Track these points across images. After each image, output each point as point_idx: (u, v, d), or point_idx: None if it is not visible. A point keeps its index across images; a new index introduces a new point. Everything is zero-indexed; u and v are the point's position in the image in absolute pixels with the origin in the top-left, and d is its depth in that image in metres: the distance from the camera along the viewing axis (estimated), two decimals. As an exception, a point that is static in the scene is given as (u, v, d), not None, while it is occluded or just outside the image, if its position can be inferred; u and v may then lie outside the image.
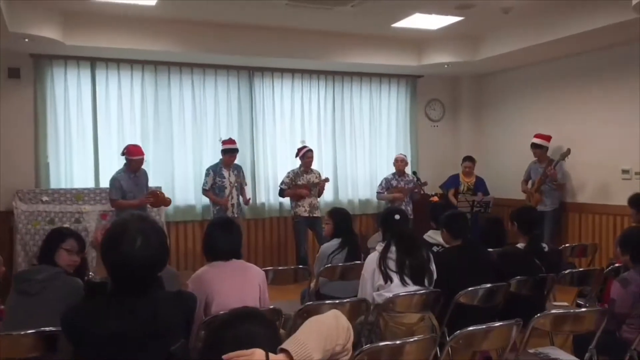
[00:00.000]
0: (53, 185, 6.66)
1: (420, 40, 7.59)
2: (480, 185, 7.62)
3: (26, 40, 5.92)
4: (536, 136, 7.05)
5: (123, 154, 5.97)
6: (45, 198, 6.33)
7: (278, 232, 7.84)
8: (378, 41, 7.44)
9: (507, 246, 4.36)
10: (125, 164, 5.95)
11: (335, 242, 4.54)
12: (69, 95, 6.80)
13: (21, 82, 6.65)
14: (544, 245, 4.17)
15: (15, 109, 6.61)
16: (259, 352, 1.48)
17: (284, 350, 1.54)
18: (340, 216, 4.74)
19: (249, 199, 6.93)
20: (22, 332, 2.59)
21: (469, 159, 7.79)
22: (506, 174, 7.99)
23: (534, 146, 7.00)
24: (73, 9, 6.00)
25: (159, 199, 6.05)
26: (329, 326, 1.65)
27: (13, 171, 6.51)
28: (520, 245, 4.07)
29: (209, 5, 6.00)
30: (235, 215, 6.52)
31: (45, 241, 3.00)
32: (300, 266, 4.89)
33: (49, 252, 2.81)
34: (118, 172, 5.93)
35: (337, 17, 6.39)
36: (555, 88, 7.42)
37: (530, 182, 7.16)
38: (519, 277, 3.81)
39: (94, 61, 6.84)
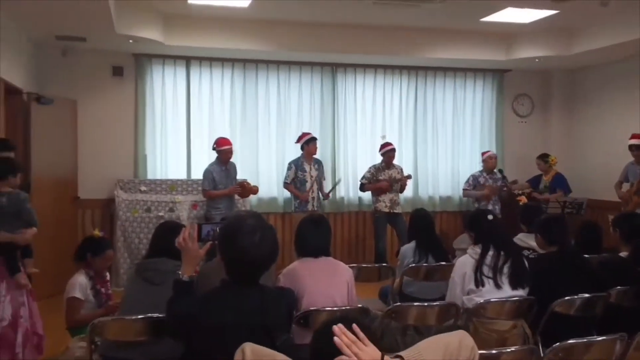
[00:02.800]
0: (150, 176, 7.06)
1: (509, 34, 7.36)
2: (558, 183, 7.32)
3: (130, 41, 6.31)
4: (633, 137, 6.66)
5: (214, 148, 6.24)
6: (143, 188, 6.72)
7: (357, 227, 7.90)
8: (465, 35, 7.31)
9: (607, 254, 4.16)
10: (217, 157, 6.21)
11: (413, 244, 4.52)
12: (166, 92, 7.18)
13: (124, 80, 7.09)
14: (650, 254, 3.95)
15: (118, 105, 7.07)
16: (374, 350, 1.50)
17: (399, 357, 1.58)
18: (413, 217, 4.73)
19: (328, 193, 7.00)
20: (134, 317, 2.77)
21: (539, 156, 7.54)
22: (599, 173, 7.63)
23: (635, 148, 6.59)
24: (173, 11, 6.34)
25: (246, 189, 6.30)
26: (451, 341, 1.67)
27: (115, 162, 6.99)
28: (623, 253, 3.87)
29: (298, 6, 6.13)
30: (315, 209, 6.63)
31: (161, 234, 3.16)
32: (384, 264, 4.89)
33: (166, 244, 2.94)
34: (211, 165, 6.22)
35: (424, 13, 6.32)
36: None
37: (627, 185, 6.78)
38: (620, 287, 3.62)
39: (189, 60, 7.18)
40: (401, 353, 1.59)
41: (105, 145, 6.98)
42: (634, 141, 6.62)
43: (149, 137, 7.13)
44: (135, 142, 7.09)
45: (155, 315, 2.71)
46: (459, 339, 1.67)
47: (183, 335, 2.27)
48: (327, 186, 7.13)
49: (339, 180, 7.38)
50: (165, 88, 7.16)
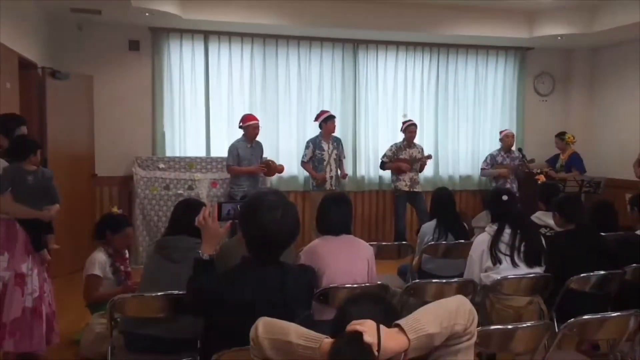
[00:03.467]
0: (168, 153, 7.07)
1: (532, 11, 7.25)
2: (573, 162, 7.27)
3: (147, 14, 6.25)
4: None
5: (240, 126, 6.25)
6: (161, 165, 6.74)
7: (377, 205, 7.90)
8: (488, 12, 7.21)
9: (624, 232, 4.16)
10: (243, 134, 6.22)
11: (433, 223, 4.54)
12: (184, 68, 7.13)
13: (140, 54, 7.03)
14: (667, 233, 3.94)
15: (135, 80, 7.04)
16: (370, 323, 1.52)
17: (397, 325, 1.58)
18: (435, 196, 4.72)
19: (347, 174, 6.98)
20: (153, 294, 2.80)
21: (557, 134, 7.48)
22: (618, 152, 7.58)
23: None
24: (191, -16, 6.27)
25: (271, 168, 6.32)
26: (450, 307, 1.67)
27: (133, 139, 7.00)
28: (639, 232, 3.88)
29: (319, -20, 6.05)
30: (334, 187, 6.61)
31: (181, 211, 3.15)
32: (404, 242, 4.90)
33: (186, 222, 2.93)
34: (237, 141, 6.26)
35: (447, -12, 6.23)
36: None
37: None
38: (635, 264, 3.64)
39: (207, 34, 7.11)
40: (399, 321, 1.58)
41: (123, 121, 6.98)
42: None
43: (167, 114, 7.11)
44: (153, 119, 7.08)
45: (175, 292, 2.75)
46: (457, 304, 1.67)
47: (204, 312, 2.29)
48: (347, 165, 7.09)
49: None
50: (183, 63, 7.11)
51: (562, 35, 7.26)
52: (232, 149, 6.20)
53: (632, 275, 3.64)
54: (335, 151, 6.68)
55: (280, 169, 6.47)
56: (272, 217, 2.14)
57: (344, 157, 6.95)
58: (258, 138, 6.44)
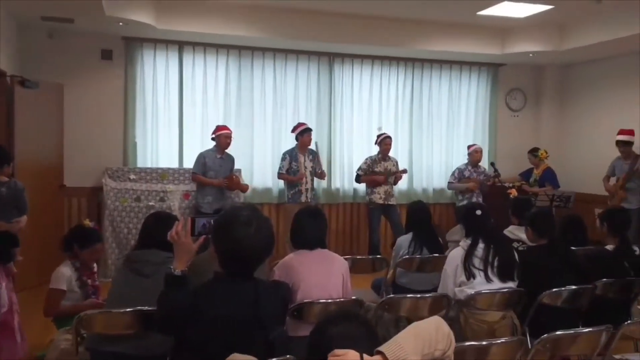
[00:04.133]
0: (140, 164, 6.97)
1: (504, 28, 7.38)
2: (547, 177, 7.38)
3: (120, 23, 6.18)
4: (621, 132, 6.73)
5: (213, 137, 6.20)
6: (132, 176, 6.63)
7: (351, 218, 7.89)
8: (461, 29, 7.31)
9: (593, 247, 4.22)
10: (214, 144, 6.18)
11: (409, 236, 4.54)
12: (157, 78, 7.06)
13: (113, 63, 6.94)
14: (635, 248, 4.01)
15: (107, 89, 6.94)
16: (352, 353, 1.51)
17: (380, 352, 1.57)
18: (411, 209, 4.74)
19: (324, 171, 6.90)
20: (121, 310, 2.72)
21: (530, 150, 7.59)
22: (587, 167, 7.73)
23: (621, 144, 6.69)
24: (166, -6, 6.23)
25: (233, 182, 6.23)
26: (429, 331, 1.67)
27: (103, 149, 6.87)
28: (609, 246, 3.94)
29: (296, -8, 6.07)
30: (309, 200, 6.61)
31: (152, 224, 3.09)
32: (378, 256, 4.89)
33: (157, 235, 2.86)
34: (207, 150, 6.22)
35: (422, 4, 6.32)
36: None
37: (614, 179, 6.87)
38: (605, 279, 3.69)
39: (181, 45, 7.06)
40: (381, 348, 1.57)
41: (93, 131, 6.85)
42: (621, 137, 6.71)
43: (139, 124, 7.01)
44: (125, 129, 6.97)
45: (145, 308, 2.67)
46: (436, 327, 1.67)
47: (175, 328, 2.23)
48: (333, 180, 7.33)
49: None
50: (157, 73, 7.04)
51: (533, 52, 7.40)
52: (200, 157, 6.15)
53: (602, 290, 3.68)
54: (311, 164, 6.67)
55: (243, 188, 6.41)
56: (246, 233, 2.11)
57: (319, 170, 6.93)
58: (232, 149, 6.39)
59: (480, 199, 7.15)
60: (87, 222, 4.07)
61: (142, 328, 2.72)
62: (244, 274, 2.18)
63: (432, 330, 1.67)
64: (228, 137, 6.21)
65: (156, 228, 2.97)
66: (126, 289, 2.92)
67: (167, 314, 2.24)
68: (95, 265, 4.11)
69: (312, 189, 6.75)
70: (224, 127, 6.27)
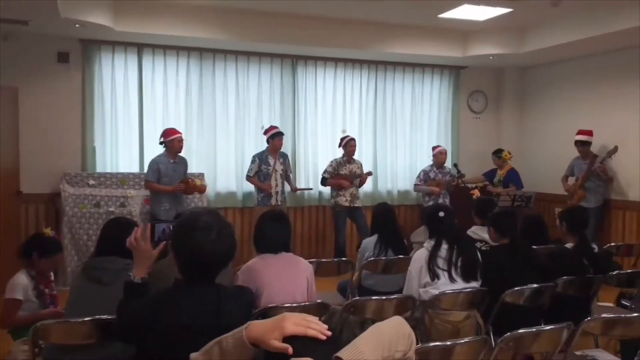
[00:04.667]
0: (99, 169, 6.79)
1: (465, 31, 7.48)
2: (511, 178, 7.51)
3: (77, 25, 6.01)
4: (580, 132, 6.91)
5: (161, 140, 6.08)
6: (91, 182, 6.47)
7: (317, 221, 7.87)
8: (423, 31, 7.38)
9: (554, 245, 4.30)
10: (165, 150, 6.06)
11: (374, 238, 4.55)
12: (116, 81, 6.90)
13: (70, 66, 6.75)
14: (594, 246, 4.10)
15: (64, 93, 6.74)
16: None
17: (338, 358, 1.54)
18: (377, 211, 4.76)
19: (296, 187, 6.98)
20: (80, 320, 2.64)
21: (494, 152, 7.72)
22: (547, 168, 7.90)
23: (580, 144, 6.87)
24: (124, -5, 6.10)
25: (189, 186, 6.12)
26: (389, 332, 1.65)
27: (61, 154, 6.68)
28: (568, 245, 4.02)
29: (257, -6, 6.03)
30: (279, 203, 6.59)
31: (111, 231, 3.02)
32: (343, 258, 4.89)
33: (116, 242, 2.81)
34: (159, 156, 6.08)
35: (385, 7, 6.34)
36: (602, 83, 7.26)
37: (573, 179, 7.03)
38: (566, 277, 3.76)
39: (141, 47, 6.92)
40: (339, 353, 1.54)
41: (50, 136, 6.64)
42: (580, 137, 6.88)
43: (98, 128, 6.84)
44: (83, 133, 6.79)
45: (104, 317, 2.60)
46: (396, 329, 1.66)
47: (135, 337, 2.17)
48: (298, 183, 7.23)
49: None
50: (116, 76, 6.87)
51: (494, 54, 7.52)
52: (153, 164, 5.99)
53: (562, 287, 3.75)
54: (281, 167, 6.64)
55: (201, 189, 6.31)
56: (207, 238, 2.05)
57: (291, 172, 6.93)
58: (195, 153, 6.31)
59: (447, 200, 7.24)
60: (48, 231, 3.95)
61: (102, 337, 2.65)
62: (205, 280, 2.13)
63: (392, 331, 1.66)
64: (181, 141, 6.11)
65: (115, 234, 2.91)
66: (85, 298, 2.85)
67: (126, 323, 2.17)
68: (52, 273, 4.00)
69: (282, 192, 6.74)
70: (175, 131, 6.13)
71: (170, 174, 6.02)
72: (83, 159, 6.81)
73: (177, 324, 2.01)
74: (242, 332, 1.55)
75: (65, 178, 6.40)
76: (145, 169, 6.81)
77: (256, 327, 1.55)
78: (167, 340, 2.01)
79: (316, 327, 1.52)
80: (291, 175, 6.94)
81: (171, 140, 6.02)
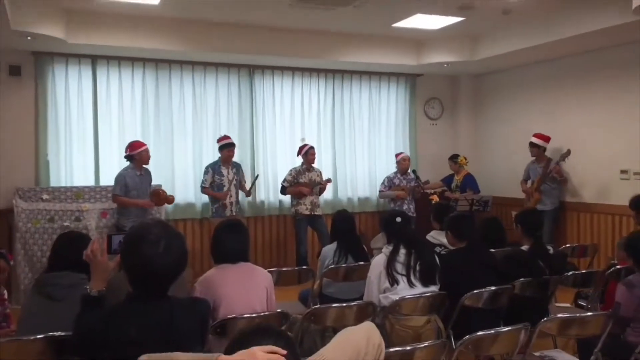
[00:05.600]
0: (53, 183, 6.62)
1: (420, 40, 7.60)
2: (468, 183, 7.63)
3: (28, 38, 5.87)
4: (535, 135, 7.08)
5: (126, 154, 5.98)
6: (45, 196, 6.29)
7: (277, 230, 7.83)
8: (378, 40, 7.45)
9: (510, 248, 4.39)
10: (130, 163, 5.97)
11: (334, 245, 4.55)
12: (70, 93, 6.76)
13: (22, 79, 6.60)
14: (549, 247, 4.19)
15: (16, 106, 6.57)
16: None
17: None
18: (336, 218, 4.77)
19: (250, 190, 6.91)
20: (32, 337, 2.56)
21: (450, 157, 7.85)
22: (504, 172, 8.07)
23: (532, 145, 7.03)
24: (76, 7, 5.98)
25: (160, 198, 6.08)
26: (357, 340, 1.64)
27: (13, 169, 6.48)
28: (524, 247, 4.10)
29: (212, 5, 5.98)
30: (234, 214, 6.53)
31: (63, 245, 2.96)
32: (304, 267, 4.88)
33: (69, 257, 2.76)
34: (125, 169, 5.97)
35: (338, 17, 6.38)
36: (554, 88, 7.45)
37: (529, 182, 7.20)
38: (523, 279, 3.83)
39: (95, 59, 6.80)
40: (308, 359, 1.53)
41: (2, 150, 6.41)
42: (534, 139, 7.04)
43: (52, 142, 6.68)
44: (36, 147, 6.62)
45: (57, 333, 2.53)
46: (367, 337, 1.65)
47: (89, 353, 2.11)
48: (258, 193, 7.17)
49: (257, 176, 7.28)
50: (69, 89, 6.74)
51: (448, 62, 7.66)
52: (120, 178, 5.90)
53: (520, 289, 3.82)
54: (235, 177, 6.59)
55: (170, 200, 6.26)
56: (154, 251, 2.01)
57: (245, 182, 6.88)
58: (152, 164, 6.21)
59: (413, 206, 7.31)
60: None
61: (55, 355, 2.57)
62: (156, 293, 2.09)
63: (362, 340, 1.65)
64: (147, 152, 6.05)
65: (67, 249, 2.86)
66: (37, 315, 2.77)
67: (80, 337, 2.12)
68: (5, 292, 3.88)
69: (237, 202, 6.68)
70: (142, 143, 6.09)
71: (137, 186, 5.95)
72: (36, 173, 6.63)
73: (127, 339, 1.97)
74: None
75: (18, 193, 6.22)
76: (101, 182, 6.73)
77: None
78: (120, 355, 1.96)
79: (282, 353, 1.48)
80: (246, 185, 6.88)
81: (139, 153, 5.95)
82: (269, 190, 7.70)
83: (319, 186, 7.01)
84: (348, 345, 1.61)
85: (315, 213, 6.95)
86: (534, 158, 7.11)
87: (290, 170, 7.05)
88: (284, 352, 1.44)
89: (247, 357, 1.47)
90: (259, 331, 1.62)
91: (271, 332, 1.61)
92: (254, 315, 3.02)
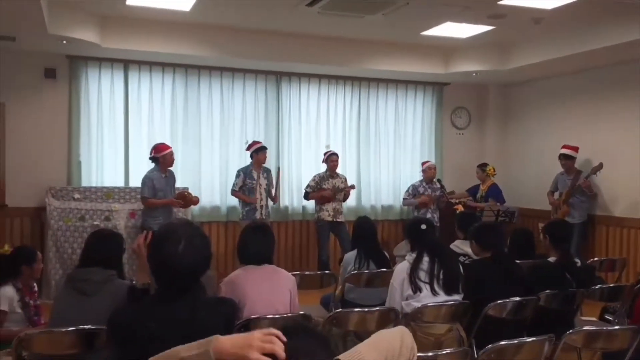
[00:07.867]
0: (84, 183, 6.79)
1: (448, 48, 7.57)
2: (492, 193, 7.57)
3: (64, 42, 6.06)
4: (564, 147, 6.98)
5: (151, 155, 6.09)
6: (77, 195, 6.45)
7: (300, 235, 7.88)
8: (406, 48, 7.46)
9: (538, 259, 4.33)
10: (155, 165, 6.07)
11: (355, 252, 4.56)
12: (102, 97, 6.94)
13: (57, 82, 6.79)
14: (577, 260, 4.13)
15: (51, 108, 6.77)
16: None
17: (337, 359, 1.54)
18: (356, 225, 4.77)
19: (276, 195, 6.97)
20: (63, 330, 2.66)
21: (479, 165, 7.80)
22: (531, 183, 7.98)
23: (563, 157, 6.93)
24: (110, 13, 6.15)
25: (186, 199, 6.19)
26: (392, 342, 1.65)
27: (46, 168, 6.68)
28: (551, 259, 4.04)
29: (242, 12, 6.08)
30: (264, 217, 6.62)
31: (95, 242, 3.05)
32: (327, 272, 4.90)
33: (100, 253, 2.86)
34: (150, 171, 6.08)
35: (367, 25, 6.41)
36: (584, 100, 7.36)
37: (557, 194, 7.10)
38: (548, 291, 3.78)
39: (127, 63, 6.97)
40: (340, 356, 1.54)
41: (36, 150, 6.65)
42: (565, 150, 6.94)
43: (84, 143, 6.86)
44: (69, 148, 6.80)
45: (88, 327, 2.62)
46: (401, 338, 1.66)
47: (118, 344, 2.17)
48: (282, 198, 7.29)
49: (279, 169, 7.30)
50: (102, 92, 6.92)
51: (477, 71, 7.62)
52: (147, 180, 6.00)
53: (545, 301, 3.76)
54: (265, 181, 6.68)
55: (195, 201, 6.36)
56: (173, 250, 2.06)
57: (273, 188, 6.94)
58: (179, 167, 6.33)
59: (437, 215, 7.27)
60: (6, 249, 4.01)
61: (85, 347, 2.67)
62: (179, 290, 2.13)
63: (396, 341, 1.66)
64: (172, 155, 6.17)
65: (98, 246, 2.95)
66: (68, 308, 2.87)
67: (111, 329, 2.17)
68: (35, 285, 4.02)
69: (267, 206, 6.77)
70: (167, 146, 6.18)
71: (164, 188, 6.06)
72: (68, 173, 6.81)
73: (151, 333, 2.02)
74: (208, 349, 1.46)
75: (50, 192, 6.39)
76: (130, 183, 6.87)
77: (227, 344, 1.42)
78: (144, 350, 2.00)
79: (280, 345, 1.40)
80: (273, 190, 6.94)
81: (164, 155, 6.05)
82: (293, 196, 7.75)
83: (343, 192, 7.02)
84: (383, 345, 1.62)
85: (338, 219, 6.98)
86: (563, 170, 7.01)
87: (314, 177, 7.10)
88: (283, 356, 1.43)
89: (244, 342, 1.40)
90: (297, 328, 1.61)
91: (308, 329, 1.59)
92: (277, 316, 3.05)
